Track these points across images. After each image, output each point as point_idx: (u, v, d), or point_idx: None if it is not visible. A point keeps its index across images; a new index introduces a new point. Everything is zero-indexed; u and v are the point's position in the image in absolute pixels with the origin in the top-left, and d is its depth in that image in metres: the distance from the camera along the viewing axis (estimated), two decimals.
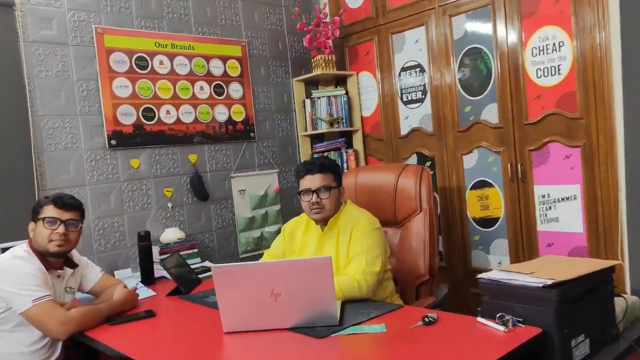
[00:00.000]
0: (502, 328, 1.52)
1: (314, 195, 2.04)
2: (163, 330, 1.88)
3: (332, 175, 2.09)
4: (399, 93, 3.34)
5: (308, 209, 2.09)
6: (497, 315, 1.56)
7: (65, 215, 1.95)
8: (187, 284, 2.36)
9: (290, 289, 1.65)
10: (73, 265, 2.07)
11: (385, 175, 2.55)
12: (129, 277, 2.67)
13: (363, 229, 2.03)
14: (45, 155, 2.56)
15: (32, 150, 2.50)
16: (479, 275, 1.71)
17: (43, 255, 1.92)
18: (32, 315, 1.78)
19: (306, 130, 3.60)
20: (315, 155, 3.51)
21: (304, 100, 3.60)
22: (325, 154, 3.53)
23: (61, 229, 1.92)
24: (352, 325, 1.65)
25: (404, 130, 3.34)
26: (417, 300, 2.30)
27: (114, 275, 2.68)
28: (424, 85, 3.20)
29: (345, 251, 2.04)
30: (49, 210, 1.93)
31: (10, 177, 2.47)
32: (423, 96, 3.21)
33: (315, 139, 3.67)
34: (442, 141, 3.13)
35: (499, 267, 1.75)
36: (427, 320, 1.62)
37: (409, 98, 3.29)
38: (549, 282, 1.53)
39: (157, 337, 1.80)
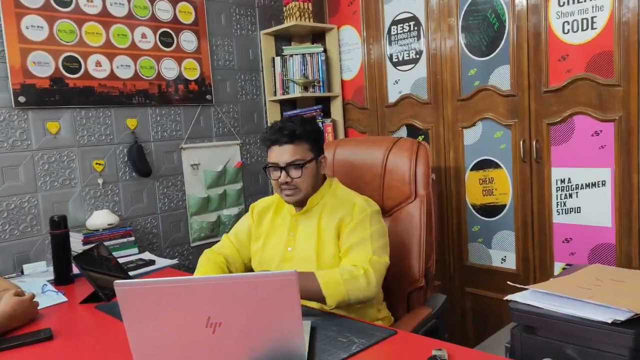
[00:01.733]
0: None
1: (284, 172, 1.53)
2: None
3: (308, 145, 1.57)
4: (388, 52, 2.77)
5: (277, 188, 1.60)
6: None
7: None
8: (110, 288, 1.78)
9: (236, 318, 1.10)
10: None
11: (372, 150, 2.00)
12: (43, 273, 2.09)
13: (363, 212, 1.57)
14: None
15: None
16: (509, 298, 1.19)
17: None
18: None
19: (275, 94, 3.01)
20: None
21: (273, 58, 3.00)
22: None
23: None
24: None
25: (392, 98, 2.78)
26: (409, 313, 1.79)
27: (21, 272, 2.10)
28: (419, 42, 2.63)
29: (331, 239, 1.57)
30: None
31: None
32: (417, 56, 2.65)
33: (286, 105, 3.09)
34: (439, 111, 2.59)
35: (534, 286, 1.24)
36: None
37: (400, 58, 2.73)
38: (625, 314, 1.02)
39: None
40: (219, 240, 2.79)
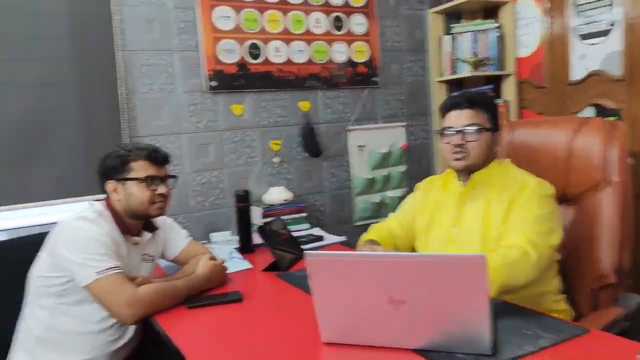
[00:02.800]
0: None
1: (459, 135, 1.51)
2: (247, 323, 1.43)
3: (486, 114, 1.55)
4: (573, 24, 2.51)
5: (448, 153, 1.57)
6: None
7: (162, 172, 1.61)
8: (287, 259, 1.92)
9: (419, 297, 1.10)
10: (152, 228, 1.71)
11: (555, 132, 1.83)
12: (228, 242, 2.31)
13: (534, 193, 1.47)
14: (136, 98, 2.24)
15: (120, 91, 2.18)
16: None
17: (125, 218, 1.58)
18: (95, 292, 1.44)
19: (442, 74, 2.92)
20: None
21: (440, 38, 2.91)
22: None
23: (163, 188, 1.59)
24: None
25: (577, 75, 2.52)
26: (596, 311, 1.62)
27: (208, 239, 2.34)
28: (612, 12, 2.33)
29: (498, 221, 1.49)
30: (144, 168, 1.57)
31: (92, 122, 2.15)
32: (609, 27, 2.36)
33: (453, 85, 2.99)
34: (635, 88, 2.27)
35: None
36: None
37: (589, 31, 2.45)
38: None
39: (236, 333, 1.37)
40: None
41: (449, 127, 1.55)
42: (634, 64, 2.27)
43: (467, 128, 1.52)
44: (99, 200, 1.62)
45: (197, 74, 2.36)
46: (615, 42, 2.34)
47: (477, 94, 1.61)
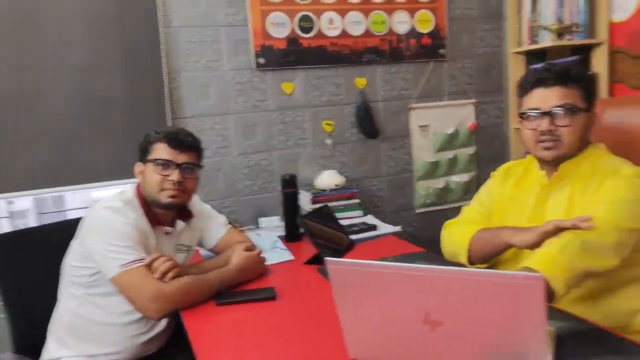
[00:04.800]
0: None
1: (547, 119, 1.26)
2: (274, 326, 1.30)
3: (581, 91, 1.28)
4: None
5: (533, 142, 1.33)
6: None
7: (181, 158, 1.48)
8: (332, 250, 1.76)
9: (460, 319, 0.90)
10: (187, 216, 1.62)
11: None
12: (276, 227, 2.19)
13: (625, 178, 1.23)
14: (182, 76, 2.15)
15: (163, 70, 2.09)
16: None
17: (152, 206, 1.50)
18: (120, 285, 1.37)
19: (520, 44, 2.58)
20: None
21: (520, 1, 2.56)
22: None
23: (175, 175, 1.46)
24: None
25: None
26: None
27: (257, 224, 2.24)
28: None
29: (583, 211, 1.22)
30: (161, 150, 1.48)
31: (136, 102, 2.09)
32: None
33: (534, 57, 2.64)
34: None
35: None
36: None
37: None
38: None
39: (261, 337, 1.24)
40: (446, 209, 2.62)
41: (535, 109, 1.30)
42: None
43: (557, 110, 1.26)
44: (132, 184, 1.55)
45: (245, 50, 2.22)
46: None
47: (568, 65, 1.34)
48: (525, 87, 1.34)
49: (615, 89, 2.43)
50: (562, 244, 1.10)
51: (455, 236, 1.45)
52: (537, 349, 0.88)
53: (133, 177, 1.55)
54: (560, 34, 2.43)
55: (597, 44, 2.45)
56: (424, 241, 2.08)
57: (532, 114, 1.30)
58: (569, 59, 2.49)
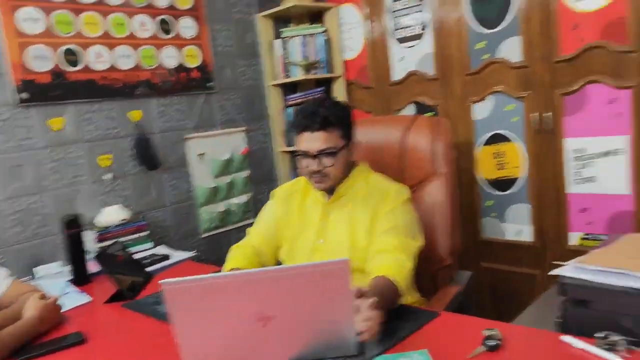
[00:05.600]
0: (606, 355, 1.00)
1: (315, 161, 1.49)
2: None
3: (340, 131, 1.51)
4: (392, 28, 2.72)
5: (307, 175, 1.56)
6: (597, 334, 1.04)
7: None
8: (132, 285, 1.75)
9: (287, 310, 1.08)
10: None
11: (389, 130, 1.97)
12: (58, 274, 2.04)
13: (396, 201, 1.54)
14: None
15: None
16: (558, 272, 1.18)
17: None
18: None
19: (275, 78, 2.95)
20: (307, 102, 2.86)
21: (272, 41, 2.93)
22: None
23: None
24: (380, 355, 1.11)
25: (398, 75, 2.74)
26: (438, 292, 1.78)
27: (32, 275, 2.04)
28: (424, 17, 2.59)
29: (364, 231, 1.53)
30: None
31: None
32: (422, 31, 2.61)
33: (288, 89, 3.04)
34: (447, 87, 2.55)
35: (576, 261, 1.24)
36: (492, 344, 1.09)
37: (405, 35, 2.68)
38: None
39: None
40: (229, 230, 2.79)
41: (304, 152, 1.50)
42: (444, 64, 2.54)
43: (321, 154, 1.48)
44: None
45: (2, 85, 2.02)
46: (427, 45, 2.59)
47: (328, 108, 1.50)
48: (296, 129, 1.53)
49: (355, 113, 2.97)
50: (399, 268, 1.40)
51: (227, 262, 1.60)
52: (345, 320, 1.10)
53: None
54: (307, 69, 2.87)
55: (336, 77, 2.97)
56: (212, 263, 2.18)
57: (303, 157, 1.51)
58: (315, 90, 2.96)
